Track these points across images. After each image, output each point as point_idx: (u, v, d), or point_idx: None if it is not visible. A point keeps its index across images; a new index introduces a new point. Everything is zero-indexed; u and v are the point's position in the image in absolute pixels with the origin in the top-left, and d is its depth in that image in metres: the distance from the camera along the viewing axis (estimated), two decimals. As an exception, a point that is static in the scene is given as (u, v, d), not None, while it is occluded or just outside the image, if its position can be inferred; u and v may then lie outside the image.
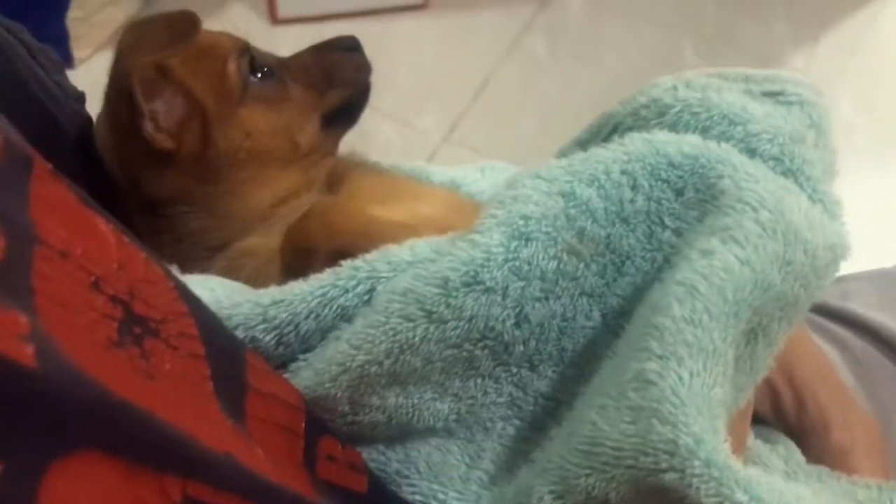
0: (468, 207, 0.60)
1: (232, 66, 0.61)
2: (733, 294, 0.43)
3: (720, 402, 0.42)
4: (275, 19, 1.91)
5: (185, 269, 0.56)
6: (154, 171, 0.60)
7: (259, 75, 0.63)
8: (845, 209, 0.53)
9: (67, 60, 1.74)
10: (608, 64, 1.91)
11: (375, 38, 2.00)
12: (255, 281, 0.57)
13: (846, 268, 0.52)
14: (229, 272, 0.58)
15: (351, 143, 0.71)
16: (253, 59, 0.63)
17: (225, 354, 0.41)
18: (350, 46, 0.69)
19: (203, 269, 0.59)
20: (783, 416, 0.60)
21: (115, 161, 0.62)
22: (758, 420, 0.60)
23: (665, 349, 0.41)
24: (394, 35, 1.94)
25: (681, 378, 0.41)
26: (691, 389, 0.40)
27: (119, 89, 0.58)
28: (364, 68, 0.69)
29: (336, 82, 0.67)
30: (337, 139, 0.69)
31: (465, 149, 1.74)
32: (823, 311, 0.79)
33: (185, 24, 0.56)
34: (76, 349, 0.29)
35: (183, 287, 0.41)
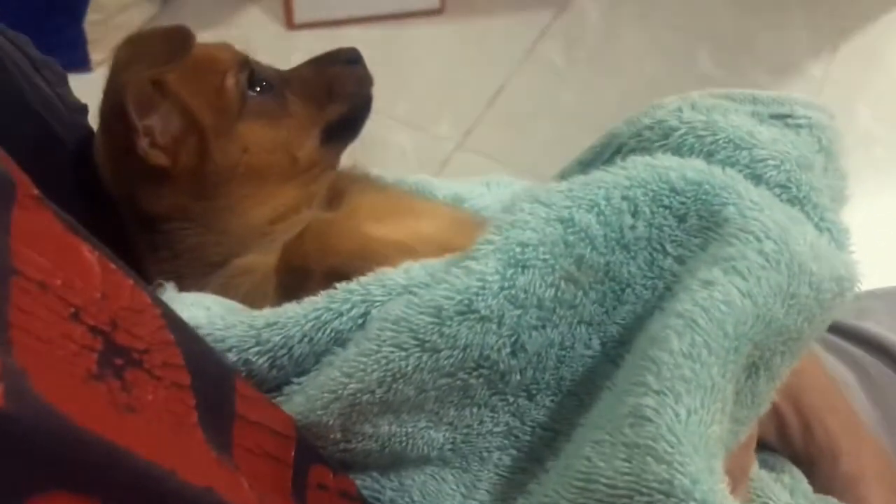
0: (470, 225, 0.59)
1: (231, 81, 0.61)
2: (734, 328, 0.42)
3: (718, 439, 0.40)
4: (291, 24, 1.91)
5: (183, 285, 0.56)
6: (150, 188, 0.60)
7: (258, 89, 0.63)
8: (863, 221, 0.51)
9: (84, 63, 1.75)
10: (624, 71, 1.90)
11: (391, 44, 2.00)
12: (253, 299, 0.56)
13: (864, 284, 0.50)
14: (226, 290, 0.57)
15: (355, 154, 0.70)
16: (252, 73, 0.62)
17: (212, 383, 0.40)
18: (351, 59, 0.68)
19: (201, 286, 0.59)
20: (790, 443, 0.59)
21: (111, 177, 0.61)
22: (763, 446, 0.58)
23: (662, 384, 0.40)
24: (409, 40, 1.93)
25: (677, 415, 0.39)
26: (688, 427, 0.39)
27: (113, 105, 0.57)
28: (365, 81, 0.68)
29: (336, 96, 0.66)
30: (338, 153, 0.68)
31: (478, 156, 1.74)
32: (838, 329, 0.78)
33: (179, 40, 0.55)
34: (52, 385, 0.29)
35: (171, 314, 0.40)
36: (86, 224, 0.37)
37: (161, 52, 0.55)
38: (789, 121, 0.52)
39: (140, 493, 0.31)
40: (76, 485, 0.29)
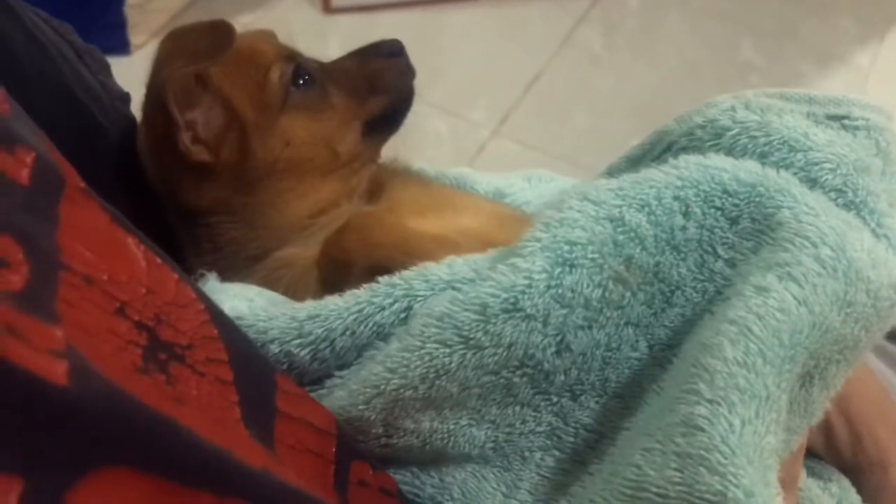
0: (512, 220, 0.58)
1: (275, 75, 0.60)
2: (789, 337, 0.41)
3: (772, 451, 0.39)
4: (328, 8, 1.91)
5: (225, 277, 0.56)
6: (191, 182, 0.59)
7: (300, 82, 0.62)
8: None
9: (124, 47, 1.76)
10: (664, 59, 1.87)
11: (428, 29, 1.99)
12: (294, 291, 0.56)
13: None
14: (268, 283, 0.57)
15: (396, 144, 0.70)
16: (297, 67, 0.61)
17: (254, 379, 0.40)
18: (394, 51, 0.67)
19: (242, 278, 0.58)
20: (838, 452, 0.57)
21: (153, 170, 0.61)
22: (811, 455, 0.57)
23: (715, 393, 0.39)
24: (446, 26, 1.92)
25: (731, 425, 0.38)
26: (742, 438, 0.38)
27: (155, 99, 0.57)
28: (407, 74, 0.67)
29: (378, 89, 0.65)
30: (379, 146, 0.67)
31: (514, 143, 1.72)
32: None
33: (221, 34, 0.54)
34: (108, 369, 0.29)
35: (215, 309, 0.40)
36: (128, 215, 0.37)
37: (203, 46, 0.55)
38: (846, 122, 0.51)
39: (204, 470, 0.31)
40: (141, 461, 0.29)
